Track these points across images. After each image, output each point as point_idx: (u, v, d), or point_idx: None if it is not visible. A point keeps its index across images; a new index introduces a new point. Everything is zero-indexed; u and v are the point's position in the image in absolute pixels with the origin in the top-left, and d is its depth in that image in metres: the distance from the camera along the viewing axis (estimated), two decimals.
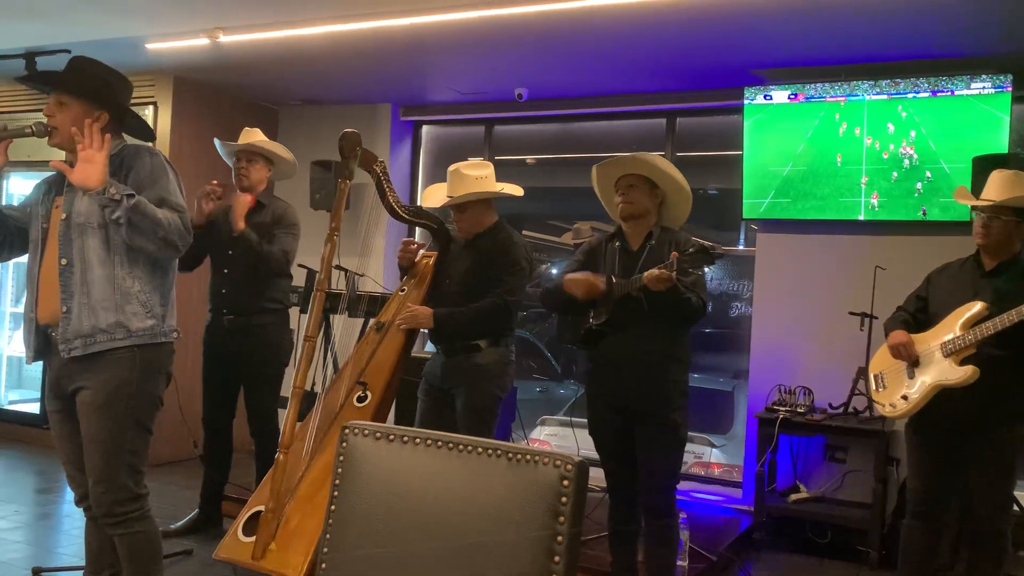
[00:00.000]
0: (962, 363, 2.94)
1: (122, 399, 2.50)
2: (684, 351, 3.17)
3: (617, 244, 3.23)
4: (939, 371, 3.00)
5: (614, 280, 3.09)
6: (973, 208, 3.15)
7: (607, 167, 3.24)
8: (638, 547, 3.26)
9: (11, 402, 6.33)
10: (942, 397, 3.00)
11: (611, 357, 3.15)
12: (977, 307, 2.96)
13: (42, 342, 2.58)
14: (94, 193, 2.37)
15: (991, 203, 3.00)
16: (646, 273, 2.88)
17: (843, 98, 4.56)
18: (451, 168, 3.45)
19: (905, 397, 3.11)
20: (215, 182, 3.91)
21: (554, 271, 7.28)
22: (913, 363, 3.10)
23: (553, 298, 3.28)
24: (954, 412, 3.01)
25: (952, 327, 3.01)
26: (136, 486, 2.56)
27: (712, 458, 5.54)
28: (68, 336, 2.47)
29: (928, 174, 4.38)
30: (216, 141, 4.18)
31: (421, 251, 3.66)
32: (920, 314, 3.22)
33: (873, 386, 3.31)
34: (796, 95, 4.66)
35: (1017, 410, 3.00)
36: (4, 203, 2.71)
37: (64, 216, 2.51)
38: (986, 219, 3.01)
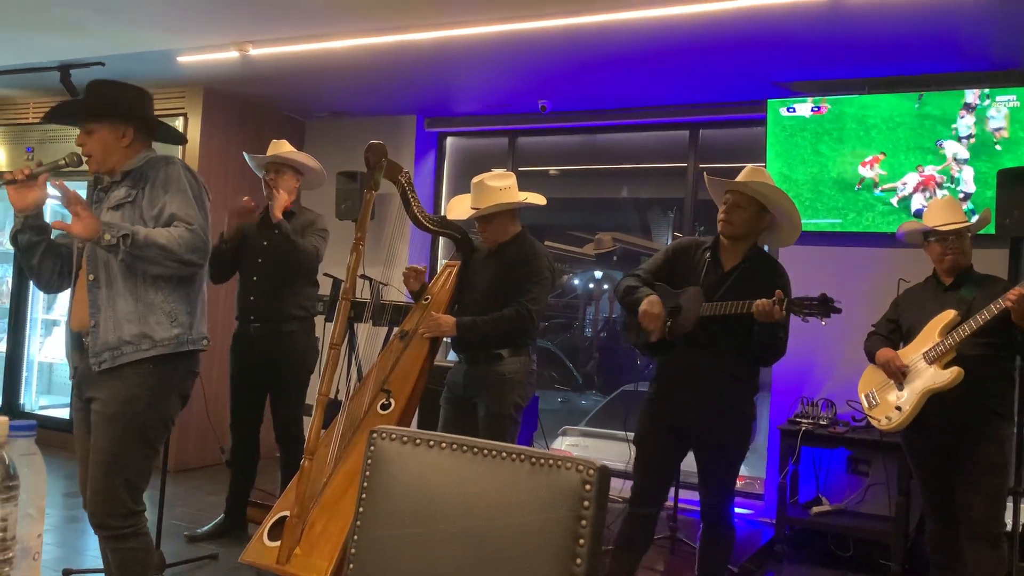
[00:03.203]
0: (946, 367, 3.13)
1: (131, 414, 2.53)
2: (755, 375, 3.12)
3: (708, 257, 3.12)
4: (926, 378, 3.18)
5: (704, 300, 2.98)
6: (927, 236, 3.36)
7: (717, 184, 3.14)
8: (640, 563, 3.24)
9: (41, 407, 6.45)
10: (930, 404, 3.16)
11: (679, 375, 3.09)
12: (951, 315, 3.18)
13: (79, 353, 2.64)
14: (95, 242, 2.43)
15: (953, 227, 3.25)
16: (758, 302, 2.78)
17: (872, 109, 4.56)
18: (475, 180, 3.49)
19: (899, 408, 3.26)
20: (247, 198, 3.97)
21: (599, 274, 7.27)
22: (901, 376, 3.26)
23: (628, 302, 3.14)
24: (943, 417, 3.16)
25: (931, 337, 3.20)
26: (133, 502, 2.58)
27: None
28: (97, 350, 2.54)
29: (959, 187, 4.36)
30: (245, 155, 4.26)
31: (445, 262, 3.70)
32: (893, 335, 3.43)
33: (866, 405, 3.47)
34: (819, 107, 4.67)
35: (999, 409, 3.17)
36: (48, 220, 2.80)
37: None
38: (950, 242, 3.25)
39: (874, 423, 3.41)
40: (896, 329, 3.45)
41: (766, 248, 3.34)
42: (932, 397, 3.15)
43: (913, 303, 3.42)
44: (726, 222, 3.04)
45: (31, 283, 6.34)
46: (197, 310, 2.69)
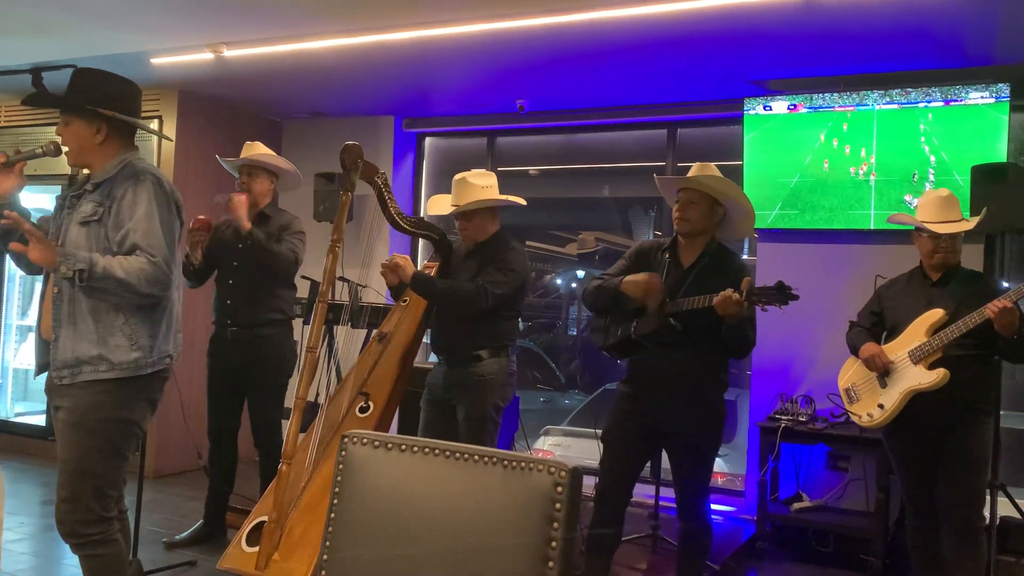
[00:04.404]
0: (931, 367, 3.12)
1: (93, 421, 2.50)
2: (724, 372, 3.12)
3: (667, 257, 3.14)
4: (911, 377, 3.16)
5: (666, 299, 2.98)
6: (919, 230, 3.30)
7: (668, 183, 3.21)
8: (613, 558, 3.24)
9: (17, 414, 6.36)
10: (913, 402, 3.15)
11: (650, 374, 3.09)
12: (939, 314, 3.15)
13: (45, 355, 2.62)
14: (52, 270, 2.43)
15: (951, 229, 3.21)
16: (721, 294, 2.78)
17: (852, 108, 4.57)
18: (457, 177, 3.48)
19: (881, 406, 3.24)
20: (200, 216, 3.89)
21: (587, 274, 7.26)
22: (884, 373, 3.24)
23: (603, 296, 3.14)
24: (925, 414, 3.15)
25: (917, 335, 3.18)
26: (103, 509, 2.54)
27: (715, 467, 5.55)
28: (57, 365, 2.52)
29: (940, 184, 4.34)
30: (218, 158, 4.23)
31: (424, 263, 3.69)
32: (875, 327, 3.41)
33: (846, 400, 3.45)
34: (795, 106, 4.69)
35: (982, 406, 3.18)
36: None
37: (60, 242, 2.55)
38: (943, 240, 3.21)
39: (855, 419, 3.39)
40: (879, 322, 3.42)
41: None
42: (915, 396, 3.14)
43: (898, 297, 3.38)
44: (682, 219, 3.08)
45: (5, 289, 6.27)
46: (160, 332, 2.62)
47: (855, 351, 3.41)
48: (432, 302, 3.41)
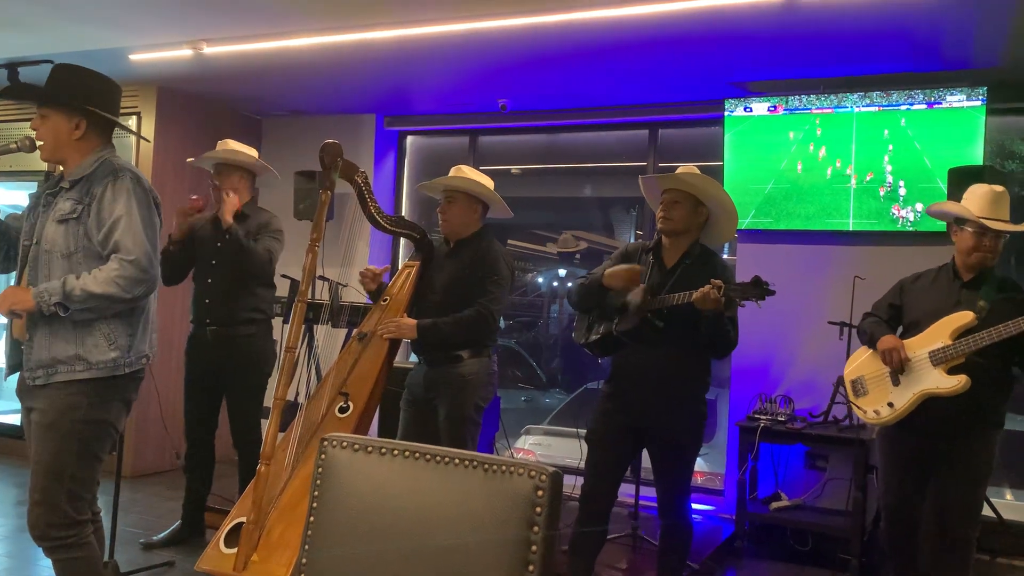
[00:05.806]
0: (950, 371, 2.97)
1: (68, 423, 2.47)
2: (706, 371, 3.12)
3: (651, 258, 3.16)
4: (929, 379, 3.01)
5: (649, 295, 2.99)
6: (964, 224, 3.07)
7: (651, 182, 3.22)
8: (597, 558, 3.25)
9: None
10: (922, 405, 3.03)
11: (632, 373, 3.10)
12: (968, 317, 2.98)
13: (16, 356, 2.58)
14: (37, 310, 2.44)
15: (1007, 228, 2.99)
16: (700, 290, 2.79)
17: (830, 110, 4.58)
18: (455, 167, 3.53)
19: (891, 404, 3.11)
20: (195, 197, 3.90)
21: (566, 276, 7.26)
22: (898, 369, 3.10)
23: (587, 294, 3.17)
24: (935, 419, 3.03)
25: (941, 336, 3.01)
26: (76, 512, 2.51)
27: (695, 467, 5.57)
28: (31, 365, 2.49)
29: (920, 187, 4.37)
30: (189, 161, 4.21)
31: (404, 262, 3.68)
32: (891, 321, 3.26)
33: (852, 392, 3.29)
34: (775, 107, 4.71)
35: (992, 418, 3.06)
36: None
37: (36, 240, 2.52)
38: (988, 238, 3.00)
39: (859, 413, 3.26)
40: (896, 315, 3.26)
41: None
42: (929, 399, 3.01)
43: (922, 293, 3.20)
44: (665, 219, 3.10)
45: None
46: (138, 330, 2.60)
47: (871, 341, 3.22)
48: (447, 343, 3.38)
